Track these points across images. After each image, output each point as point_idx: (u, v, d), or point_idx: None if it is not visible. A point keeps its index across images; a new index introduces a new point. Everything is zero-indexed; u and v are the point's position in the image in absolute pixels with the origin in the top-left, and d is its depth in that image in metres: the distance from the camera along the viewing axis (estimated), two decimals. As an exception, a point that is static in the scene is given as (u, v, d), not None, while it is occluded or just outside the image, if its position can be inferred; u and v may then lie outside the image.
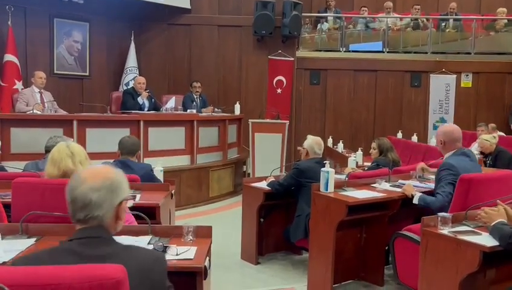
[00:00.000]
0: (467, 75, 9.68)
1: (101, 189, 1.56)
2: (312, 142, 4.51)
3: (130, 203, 2.84)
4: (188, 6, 9.13)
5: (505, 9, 9.88)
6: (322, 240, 3.79)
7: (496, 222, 2.52)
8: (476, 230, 2.68)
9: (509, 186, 3.33)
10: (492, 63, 9.62)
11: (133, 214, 2.66)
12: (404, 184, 4.01)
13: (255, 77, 9.19)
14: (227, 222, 5.93)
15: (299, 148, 4.76)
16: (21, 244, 2.28)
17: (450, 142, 3.71)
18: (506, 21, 9.87)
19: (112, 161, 3.94)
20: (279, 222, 4.77)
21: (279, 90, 8.85)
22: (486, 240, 2.50)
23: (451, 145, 3.71)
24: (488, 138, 6.14)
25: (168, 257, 2.15)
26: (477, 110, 9.65)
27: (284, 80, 8.87)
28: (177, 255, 2.16)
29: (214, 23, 9.19)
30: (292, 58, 9.01)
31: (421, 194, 3.71)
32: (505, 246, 2.38)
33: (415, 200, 3.68)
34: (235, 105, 8.22)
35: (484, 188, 3.23)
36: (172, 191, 3.91)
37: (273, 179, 4.54)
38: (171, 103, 7.35)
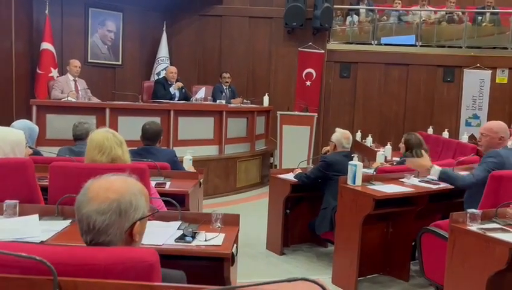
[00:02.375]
0: (503, 71, 9.42)
1: (107, 212, 1.40)
2: (340, 136, 4.50)
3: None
4: (220, -3, 9.18)
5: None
6: (348, 233, 3.80)
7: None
8: (505, 228, 2.65)
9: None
10: (528, 58, 9.33)
11: (163, 200, 2.73)
12: (433, 180, 3.96)
13: (285, 69, 9.18)
14: (253, 212, 5.98)
15: (324, 149, 4.77)
16: (58, 225, 2.38)
17: (507, 138, 3.68)
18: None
19: (135, 148, 4.01)
20: (305, 214, 4.79)
21: (308, 83, 8.82)
22: (516, 238, 2.47)
23: (506, 141, 3.68)
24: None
25: (197, 242, 2.22)
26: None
27: (313, 72, 8.83)
28: (206, 241, 2.22)
29: (245, 15, 9.20)
30: (322, 51, 8.96)
31: (443, 169, 3.65)
32: (535, 245, 2.35)
33: (434, 174, 3.62)
34: (264, 97, 8.24)
35: (516, 185, 3.17)
36: (201, 180, 3.98)
37: (300, 171, 4.56)
38: (201, 93, 7.44)
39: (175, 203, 2.54)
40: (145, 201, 1.50)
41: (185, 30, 9.31)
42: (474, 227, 2.66)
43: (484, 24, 9.76)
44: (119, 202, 1.42)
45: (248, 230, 5.03)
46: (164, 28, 8.91)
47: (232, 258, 2.17)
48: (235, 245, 2.25)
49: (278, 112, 7.72)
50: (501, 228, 2.66)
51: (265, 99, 8.22)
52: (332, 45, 9.54)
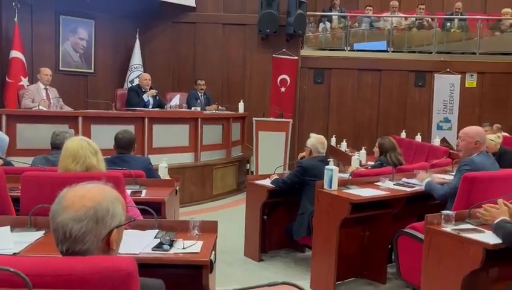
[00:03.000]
0: (472, 75, 9.67)
1: (84, 219, 1.37)
2: (315, 141, 4.53)
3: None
4: (193, 4, 9.15)
5: (510, 10, 9.86)
6: (325, 237, 3.82)
7: (499, 219, 2.54)
8: (479, 228, 2.70)
9: (512, 185, 3.34)
10: (497, 63, 9.61)
11: (139, 209, 2.70)
12: (408, 183, 4.06)
13: (259, 75, 9.21)
14: (230, 219, 5.95)
15: (300, 155, 4.81)
16: (31, 237, 2.32)
17: (483, 143, 3.74)
18: (511, 21, 9.85)
19: (109, 157, 3.95)
20: (283, 219, 4.79)
21: (283, 89, 8.87)
22: (489, 238, 2.52)
23: (482, 146, 3.74)
24: (493, 137, 6.13)
25: (174, 250, 2.19)
26: (481, 110, 9.64)
27: (288, 78, 8.89)
28: (183, 248, 2.20)
29: (218, 22, 9.21)
30: (296, 57, 9.03)
31: (430, 180, 3.88)
32: (508, 243, 2.41)
33: (424, 185, 3.86)
34: (239, 103, 8.25)
35: (488, 187, 3.25)
36: (177, 188, 3.95)
37: (277, 177, 4.57)
38: (175, 100, 7.39)
39: (151, 212, 2.51)
40: (121, 209, 1.47)
41: (158, 37, 9.26)
42: (448, 228, 2.71)
43: (453, 30, 10.02)
44: (95, 209, 1.39)
45: (225, 237, 4.99)
46: (137, 35, 8.84)
47: (210, 266, 2.15)
48: (213, 252, 2.24)
49: (253, 118, 7.74)
50: (474, 228, 2.71)
51: (241, 105, 8.23)
52: (306, 52, 9.63)
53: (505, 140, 6.50)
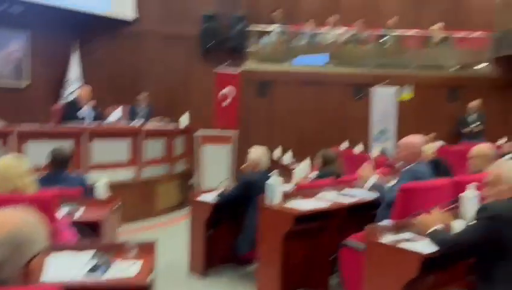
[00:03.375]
0: (407, 88, 10.10)
1: (2, 246, 1.29)
2: (260, 154, 4.54)
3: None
4: (133, 17, 9.01)
5: (440, 25, 10.41)
6: (269, 251, 3.81)
7: (434, 229, 2.62)
8: (416, 237, 2.78)
9: (446, 193, 3.48)
10: (429, 76, 10.11)
11: (74, 230, 2.57)
12: (350, 193, 4.13)
13: (202, 88, 9.17)
14: (175, 235, 5.83)
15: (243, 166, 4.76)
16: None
17: (421, 152, 3.89)
18: (441, 36, 10.41)
19: (44, 174, 3.77)
20: (228, 234, 4.74)
21: (226, 102, 8.86)
22: (425, 247, 2.59)
23: (420, 155, 3.88)
24: (428, 147, 6.40)
25: (111, 273, 2.09)
26: (417, 121, 10.05)
27: (231, 92, 8.90)
28: (120, 271, 2.10)
29: (159, 35, 9.12)
30: (239, 71, 9.07)
31: (375, 180, 3.84)
32: (442, 252, 2.48)
33: (367, 185, 3.81)
34: (183, 116, 8.15)
35: (424, 196, 3.36)
36: (117, 206, 3.81)
37: (221, 191, 4.52)
38: (116, 114, 7.20)
39: (86, 232, 2.39)
40: (43, 234, 1.39)
41: (98, 50, 9.02)
42: (387, 239, 2.77)
43: (389, 44, 10.45)
44: (14, 235, 1.31)
45: (170, 254, 4.90)
46: (75, 48, 8.56)
47: (149, 288, 2.07)
48: (152, 273, 2.15)
49: (197, 132, 7.66)
50: (412, 237, 2.78)
51: (184, 119, 8.14)
52: (248, 65, 9.70)
53: (440, 150, 6.81)
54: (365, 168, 4.01)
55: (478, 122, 9.53)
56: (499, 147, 7.17)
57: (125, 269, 2.12)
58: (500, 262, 2.21)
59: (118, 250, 2.32)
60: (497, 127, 9.77)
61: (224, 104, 8.78)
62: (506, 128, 9.94)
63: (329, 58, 10.07)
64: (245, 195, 4.30)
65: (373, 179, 3.88)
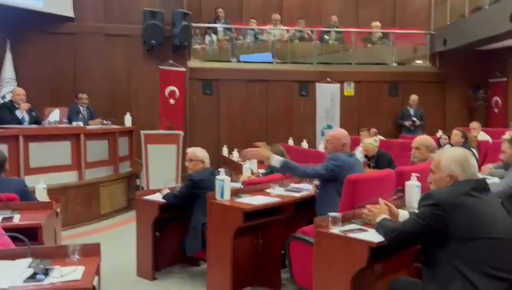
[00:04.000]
0: (349, 84, 10.35)
1: None
2: (201, 153, 4.50)
3: None
4: (71, 14, 8.66)
5: (378, 23, 10.74)
6: (219, 249, 3.76)
7: (380, 218, 2.67)
8: (363, 227, 2.82)
9: (390, 184, 3.57)
10: (370, 72, 10.41)
11: (10, 236, 2.41)
12: (297, 188, 4.16)
13: (147, 87, 8.96)
14: (121, 238, 5.67)
15: (187, 164, 4.67)
16: None
17: (348, 145, 4.04)
18: (380, 34, 10.73)
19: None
20: (176, 234, 4.65)
21: (172, 101, 8.69)
22: (373, 237, 2.64)
23: (347, 147, 4.02)
24: (371, 141, 6.58)
25: (51, 280, 1.97)
26: (359, 116, 10.34)
27: (176, 90, 8.73)
28: (62, 276, 1.99)
29: (99, 32, 8.82)
30: (184, 69, 8.93)
31: (280, 160, 3.88)
32: (389, 240, 2.53)
33: (275, 163, 3.86)
34: (126, 116, 7.93)
35: (368, 187, 3.43)
36: (58, 210, 3.63)
37: (169, 191, 4.43)
38: (54, 115, 6.87)
39: (23, 239, 2.24)
40: None
41: (33, 49, 8.58)
42: (336, 229, 2.80)
43: (331, 42, 10.66)
44: None
45: (116, 258, 4.75)
46: (8, 47, 8.11)
47: (94, 292, 1.97)
48: (96, 277, 2.05)
49: (141, 132, 7.47)
50: (359, 228, 2.83)
51: (127, 119, 7.92)
52: (193, 63, 9.61)
53: (381, 143, 7.01)
54: (260, 151, 4.09)
55: (420, 116, 9.94)
56: (437, 139, 7.48)
57: (66, 275, 2.00)
58: (443, 247, 2.27)
59: (58, 255, 2.20)
60: (434, 120, 10.23)
61: (171, 102, 8.61)
62: (442, 121, 10.44)
63: (274, 56, 10.14)
64: (193, 194, 4.24)
65: (275, 157, 3.89)
